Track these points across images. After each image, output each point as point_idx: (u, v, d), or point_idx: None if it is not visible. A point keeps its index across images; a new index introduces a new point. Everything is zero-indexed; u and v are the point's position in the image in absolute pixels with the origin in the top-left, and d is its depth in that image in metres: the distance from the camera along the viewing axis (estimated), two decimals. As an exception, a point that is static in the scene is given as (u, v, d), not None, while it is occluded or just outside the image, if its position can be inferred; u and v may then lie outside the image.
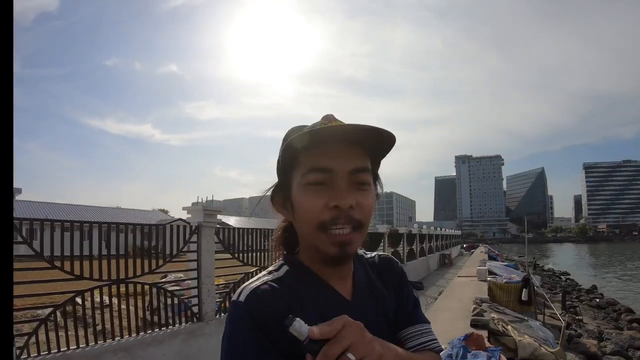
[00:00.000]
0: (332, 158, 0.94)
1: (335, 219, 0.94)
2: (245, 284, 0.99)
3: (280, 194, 1.06)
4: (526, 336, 7.73)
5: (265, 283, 0.98)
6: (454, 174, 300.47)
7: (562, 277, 38.79)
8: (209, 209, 6.68)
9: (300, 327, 0.79)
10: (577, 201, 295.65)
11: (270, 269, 1.07)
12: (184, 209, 6.83)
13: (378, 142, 0.97)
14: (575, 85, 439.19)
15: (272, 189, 1.09)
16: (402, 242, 18.70)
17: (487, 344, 6.46)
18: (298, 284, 1.01)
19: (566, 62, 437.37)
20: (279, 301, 0.94)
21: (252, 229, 7.86)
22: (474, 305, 9.92)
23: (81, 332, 5.12)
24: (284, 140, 1.03)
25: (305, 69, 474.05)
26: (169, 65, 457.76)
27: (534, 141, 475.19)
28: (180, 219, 6.69)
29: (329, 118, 1.00)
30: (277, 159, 1.05)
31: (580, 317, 17.24)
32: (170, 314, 6.17)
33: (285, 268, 1.05)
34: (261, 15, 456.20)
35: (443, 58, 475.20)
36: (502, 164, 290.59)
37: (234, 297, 0.97)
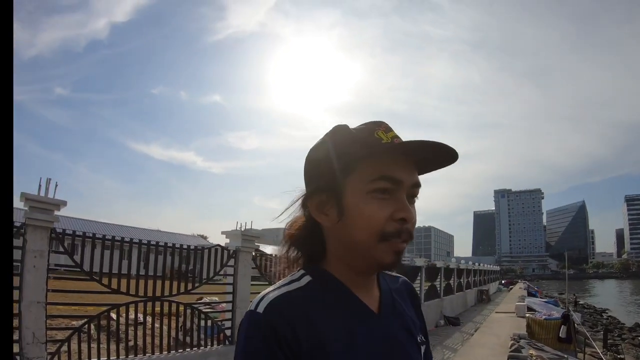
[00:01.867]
0: (401, 169, 0.92)
1: (399, 232, 0.91)
2: (263, 293, 0.93)
3: (320, 197, 0.97)
4: (566, 375, 7.48)
5: (285, 293, 0.92)
6: (493, 208, 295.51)
7: (603, 314, 37.59)
8: (247, 234, 6.74)
9: None
10: (620, 235, 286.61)
11: (289, 277, 0.99)
12: (222, 232, 6.90)
13: (435, 160, 0.97)
14: (614, 115, 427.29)
15: (311, 192, 1.00)
16: (439, 276, 18.40)
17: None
18: (322, 294, 0.94)
19: (603, 93, 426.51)
20: (300, 313, 0.89)
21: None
22: (512, 342, 9.66)
23: (113, 346, 5.22)
24: (334, 141, 0.98)
25: (344, 102, 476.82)
26: (213, 96, 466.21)
27: (573, 174, 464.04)
28: (218, 245, 6.76)
29: (381, 125, 0.98)
30: (309, 159, 1.03)
31: (622, 357, 16.65)
32: (202, 336, 6.20)
33: (307, 278, 0.97)
34: (302, 49, 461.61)
35: (480, 91, 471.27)
36: (542, 198, 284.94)
37: (251, 307, 0.90)
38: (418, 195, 0.97)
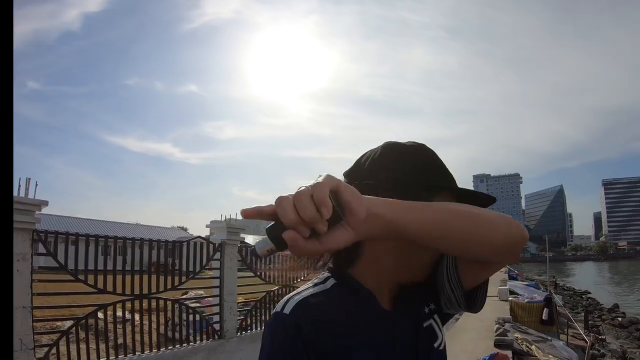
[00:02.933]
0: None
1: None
2: (289, 296, 0.95)
3: None
4: (550, 356, 7.62)
5: (311, 295, 0.94)
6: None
7: (583, 296, 38.32)
8: (232, 226, 6.69)
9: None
10: (597, 218, 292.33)
11: (315, 281, 1.01)
12: (207, 226, 6.84)
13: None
14: (592, 101, 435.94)
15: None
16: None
17: (513, 365, 6.38)
18: (346, 297, 0.96)
19: (582, 79, 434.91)
20: (325, 316, 0.91)
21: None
22: (497, 325, 9.76)
23: (101, 346, 5.16)
24: (414, 161, 1.00)
25: (322, 90, 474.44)
26: (189, 85, 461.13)
27: (551, 158, 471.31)
28: (199, 237, 6.72)
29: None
30: (379, 167, 1.00)
31: (603, 337, 16.99)
32: (191, 331, 6.16)
33: (331, 281, 0.99)
34: (279, 37, 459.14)
35: (458, 78, 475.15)
36: (521, 182, 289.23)
37: (277, 309, 0.92)
38: None
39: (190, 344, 6.08)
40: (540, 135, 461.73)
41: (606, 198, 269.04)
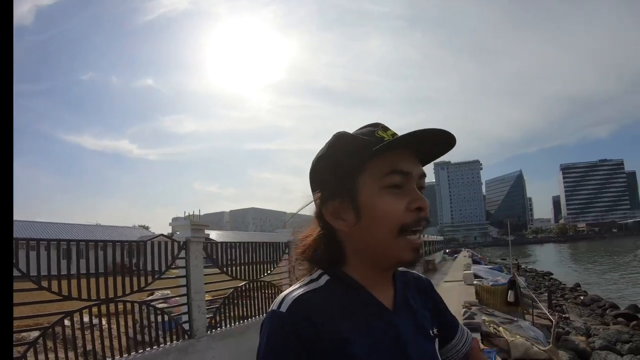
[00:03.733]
0: (408, 162, 0.97)
1: (418, 221, 0.95)
2: (284, 293, 0.97)
3: (333, 204, 1.00)
4: (518, 336, 7.76)
5: (306, 292, 0.96)
6: (433, 180, 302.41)
7: (545, 277, 39.29)
8: (196, 223, 6.60)
9: None
10: (556, 202, 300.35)
11: (309, 278, 1.03)
12: (170, 224, 6.74)
13: (435, 148, 1.02)
14: (550, 89, 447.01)
15: (324, 200, 1.02)
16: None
17: (482, 346, 6.46)
18: (340, 293, 0.98)
19: (540, 67, 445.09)
20: (321, 312, 0.93)
21: (241, 242, 7.82)
22: (464, 309, 9.93)
23: (70, 354, 5.01)
24: (339, 147, 1.01)
25: (281, 81, 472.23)
26: (146, 79, 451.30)
27: (511, 145, 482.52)
28: (161, 235, 6.60)
29: (378, 125, 1.02)
30: (316, 169, 1.05)
31: (567, 315, 17.46)
32: (160, 332, 6.06)
33: (325, 277, 1.01)
34: (236, 27, 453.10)
35: (418, 67, 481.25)
36: (481, 169, 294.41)
37: (274, 307, 0.94)
38: (425, 185, 1.02)
39: (161, 345, 5.96)
40: (499, 122, 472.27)
41: (564, 182, 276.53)
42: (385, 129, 1.00)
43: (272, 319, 0.92)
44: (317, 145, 1.08)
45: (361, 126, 1.04)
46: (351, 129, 1.04)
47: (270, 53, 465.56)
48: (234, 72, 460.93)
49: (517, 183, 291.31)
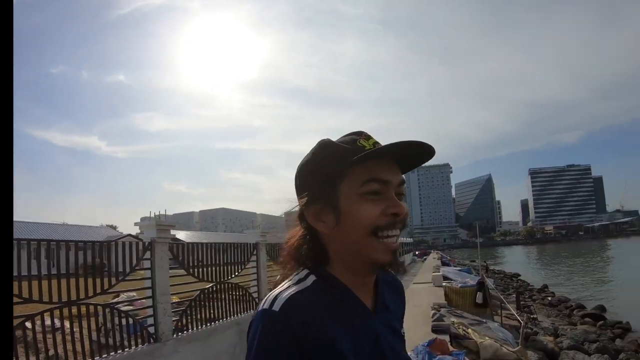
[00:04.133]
0: (387, 171, 1.02)
1: (392, 224, 1.01)
2: (274, 293, 1.01)
3: (315, 207, 1.06)
4: (487, 338, 7.80)
5: (296, 292, 0.99)
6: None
7: (513, 278, 39.92)
8: (162, 224, 6.43)
9: None
10: (524, 205, 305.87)
11: (296, 278, 1.06)
12: (136, 224, 6.58)
13: (415, 158, 1.08)
14: (519, 94, 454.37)
15: (304, 202, 1.08)
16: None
17: (451, 348, 6.47)
18: (326, 293, 1.02)
19: (510, 73, 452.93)
20: (311, 311, 0.96)
21: (208, 243, 7.69)
22: (433, 311, 9.95)
23: (32, 359, 4.83)
24: (322, 155, 1.06)
25: (253, 80, 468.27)
26: (117, 75, 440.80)
27: (480, 148, 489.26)
28: (129, 235, 6.45)
29: (362, 134, 1.07)
30: (301, 174, 1.11)
31: (535, 316, 17.71)
32: (125, 336, 5.88)
33: (312, 278, 1.05)
34: (210, 25, 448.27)
35: (390, 69, 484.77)
36: (451, 172, 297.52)
37: (265, 306, 0.97)
38: (404, 192, 1.08)
39: (126, 350, 5.79)
40: (469, 125, 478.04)
41: (532, 186, 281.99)
42: (367, 137, 1.06)
43: (264, 317, 0.95)
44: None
45: (345, 134, 1.09)
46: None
47: (244, 51, 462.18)
48: (206, 70, 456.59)
49: (487, 186, 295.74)
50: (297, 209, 1.11)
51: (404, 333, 1.19)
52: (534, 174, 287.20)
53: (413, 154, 1.06)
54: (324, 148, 1.07)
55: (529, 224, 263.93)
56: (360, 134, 1.07)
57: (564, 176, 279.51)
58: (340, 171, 1.02)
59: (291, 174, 1.15)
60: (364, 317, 1.05)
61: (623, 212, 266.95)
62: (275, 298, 0.97)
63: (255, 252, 8.88)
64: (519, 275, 42.56)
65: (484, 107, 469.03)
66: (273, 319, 0.93)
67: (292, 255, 1.11)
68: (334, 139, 1.07)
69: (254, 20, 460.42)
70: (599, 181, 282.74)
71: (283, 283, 1.05)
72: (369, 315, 1.07)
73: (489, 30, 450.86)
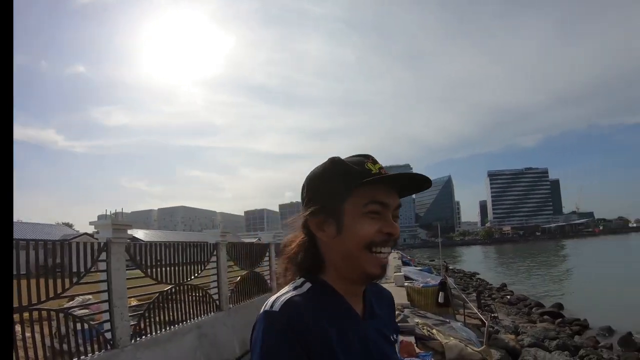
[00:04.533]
0: (388, 195, 1.13)
1: (385, 241, 1.11)
2: (274, 297, 1.09)
3: (319, 217, 1.14)
4: (451, 338, 7.80)
5: (295, 296, 1.07)
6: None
7: (472, 277, 40.63)
8: (118, 223, 6.12)
9: None
10: (483, 206, 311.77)
11: (293, 285, 1.14)
12: (91, 223, 6.29)
13: (411, 187, 1.18)
14: (480, 97, 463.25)
15: (310, 211, 1.16)
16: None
17: (417, 350, 6.41)
18: (320, 298, 1.10)
19: (471, 76, 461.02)
20: (310, 312, 1.04)
21: (167, 242, 7.43)
22: (397, 312, 9.89)
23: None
24: (332, 171, 1.15)
25: (216, 77, 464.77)
26: (77, 66, 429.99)
27: (441, 150, 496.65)
28: (85, 234, 6.16)
29: (369, 157, 1.18)
30: (310, 185, 1.19)
31: (495, 314, 18.01)
32: (80, 342, 5.58)
33: (307, 285, 1.13)
34: (174, 19, 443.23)
35: (354, 70, 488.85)
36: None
37: (266, 308, 1.05)
38: (398, 215, 1.18)
39: (82, 357, 5.49)
40: (430, 127, 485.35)
41: (491, 187, 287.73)
42: (374, 162, 1.17)
43: (266, 318, 1.02)
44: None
45: (352, 154, 1.20)
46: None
47: (208, 47, 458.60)
48: (169, 65, 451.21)
49: (446, 187, 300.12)
50: (301, 215, 1.20)
51: (395, 339, 1.26)
52: (492, 176, 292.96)
53: (413, 184, 1.17)
54: (335, 165, 1.16)
55: (488, 224, 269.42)
56: (367, 157, 1.18)
57: (522, 179, 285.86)
58: (347, 190, 1.12)
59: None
60: (354, 322, 1.13)
61: (579, 214, 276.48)
62: (275, 300, 1.06)
63: (215, 253, 8.65)
64: (478, 274, 43.34)
65: (445, 110, 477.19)
66: (274, 319, 1.01)
67: (292, 260, 1.20)
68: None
69: (219, 16, 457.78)
70: (555, 184, 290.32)
71: (282, 290, 1.13)
72: (360, 322, 1.15)
73: (453, 33, 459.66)
